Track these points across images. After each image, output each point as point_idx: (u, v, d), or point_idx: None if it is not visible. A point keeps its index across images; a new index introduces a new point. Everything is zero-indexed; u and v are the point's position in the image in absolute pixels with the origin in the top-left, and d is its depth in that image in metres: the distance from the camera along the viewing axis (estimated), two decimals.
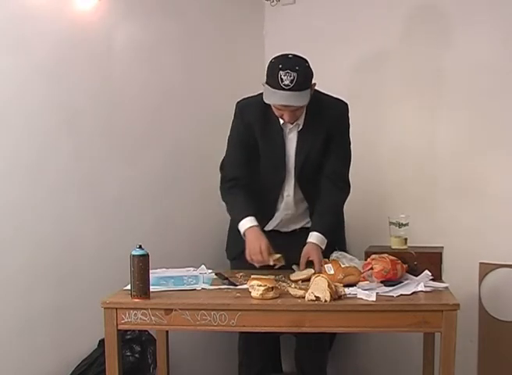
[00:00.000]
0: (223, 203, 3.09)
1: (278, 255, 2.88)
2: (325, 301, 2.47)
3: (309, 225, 3.03)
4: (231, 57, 3.86)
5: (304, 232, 3.00)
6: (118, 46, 3.35)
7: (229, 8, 3.84)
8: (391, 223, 2.94)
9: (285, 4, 3.95)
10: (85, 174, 3.23)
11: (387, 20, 3.65)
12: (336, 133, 2.97)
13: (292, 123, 2.92)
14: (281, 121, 2.93)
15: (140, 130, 3.47)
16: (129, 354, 3.17)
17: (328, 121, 2.94)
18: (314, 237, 2.90)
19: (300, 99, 2.76)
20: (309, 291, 2.52)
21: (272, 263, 2.88)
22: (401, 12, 3.61)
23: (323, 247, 2.90)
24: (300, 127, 2.95)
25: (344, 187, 3.03)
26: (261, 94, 2.87)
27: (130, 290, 2.57)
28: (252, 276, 2.64)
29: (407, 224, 2.93)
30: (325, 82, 3.71)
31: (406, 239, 2.94)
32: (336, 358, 3.81)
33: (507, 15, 3.33)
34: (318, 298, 2.48)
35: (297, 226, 3.12)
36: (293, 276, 2.82)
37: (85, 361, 3.15)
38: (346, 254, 2.88)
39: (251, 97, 3.01)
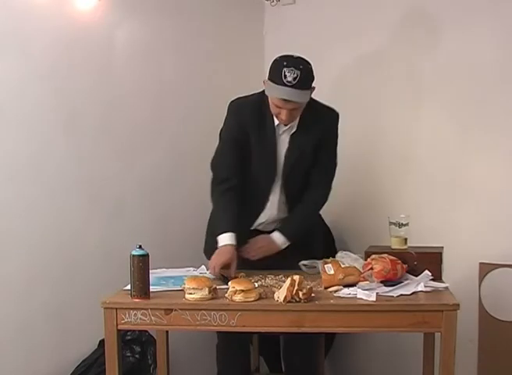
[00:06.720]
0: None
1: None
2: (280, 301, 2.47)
3: None
4: (231, 57, 3.86)
5: None
6: (118, 46, 3.36)
7: (229, 8, 3.84)
8: (391, 223, 2.93)
9: (285, 4, 3.95)
10: (84, 174, 3.24)
11: (387, 20, 3.64)
12: (326, 142, 3.00)
13: (286, 125, 2.92)
14: (276, 122, 2.92)
15: (139, 130, 3.47)
16: (129, 354, 3.18)
17: (320, 129, 2.96)
18: (277, 237, 2.98)
19: (301, 96, 2.78)
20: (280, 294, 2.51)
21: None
22: (401, 12, 3.60)
23: (282, 247, 2.98)
24: (294, 130, 2.95)
25: (325, 194, 3.07)
26: (256, 94, 2.90)
27: (130, 290, 2.57)
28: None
29: (407, 224, 2.92)
30: (324, 81, 3.71)
31: (406, 239, 2.93)
32: (336, 358, 3.81)
33: (502, 17, 3.32)
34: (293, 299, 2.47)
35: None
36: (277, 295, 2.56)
37: (85, 361, 3.16)
38: (351, 254, 2.87)
39: (246, 96, 3.01)
